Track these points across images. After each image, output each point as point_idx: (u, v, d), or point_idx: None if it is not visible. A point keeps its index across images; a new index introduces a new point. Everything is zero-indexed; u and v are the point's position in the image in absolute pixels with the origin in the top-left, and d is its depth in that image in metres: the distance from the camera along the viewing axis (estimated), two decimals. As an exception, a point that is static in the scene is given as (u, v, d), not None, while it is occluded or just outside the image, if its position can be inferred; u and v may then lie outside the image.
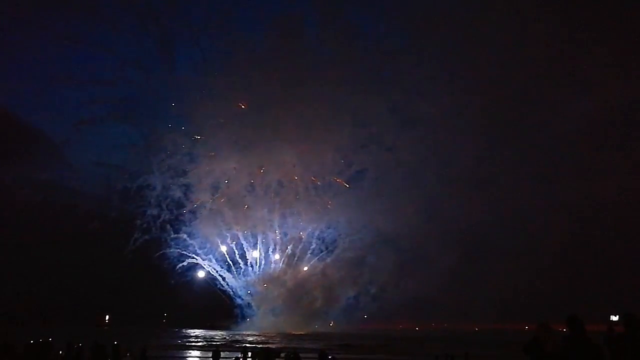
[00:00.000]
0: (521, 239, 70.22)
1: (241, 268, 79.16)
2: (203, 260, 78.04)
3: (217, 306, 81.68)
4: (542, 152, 73.14)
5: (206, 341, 58.61)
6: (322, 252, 79.28)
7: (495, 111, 72.10)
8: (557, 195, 71.06)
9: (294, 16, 79.68)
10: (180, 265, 77.66)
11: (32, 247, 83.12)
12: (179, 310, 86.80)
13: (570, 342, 7.18)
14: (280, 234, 79.35)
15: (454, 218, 71.63)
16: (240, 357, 26.85)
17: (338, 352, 37.96)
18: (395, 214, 72.52)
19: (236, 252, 78.85)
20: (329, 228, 79.21)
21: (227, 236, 78.29)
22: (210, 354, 29.28)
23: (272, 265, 79.39)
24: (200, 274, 78.76)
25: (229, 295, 79.53)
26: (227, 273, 79.07)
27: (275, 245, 79.50)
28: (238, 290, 79.45)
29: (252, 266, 79.33)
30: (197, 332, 76.03)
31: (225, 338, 62.86)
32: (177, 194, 78.24)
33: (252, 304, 79.56)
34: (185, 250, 77.66)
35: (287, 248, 79.21)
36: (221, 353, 28.58)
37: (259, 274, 79.31)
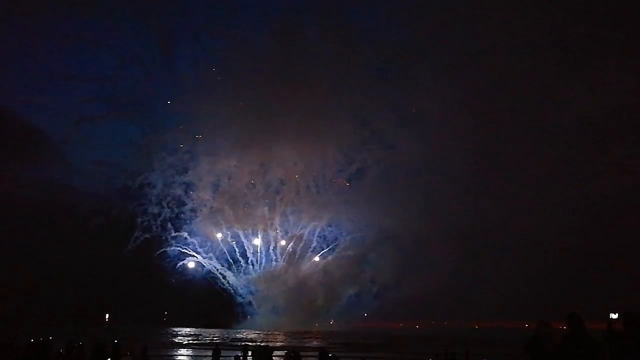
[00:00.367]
0: (522, 237, 70.25)
1: (242, 266, 79.29)
2: (204, 258, 78.20)
3: (218, 304, 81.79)
4: (543, 150, 73.10)
5: (206, 339, 58.70)
6: (323, 250, 79.49)
7: (496, 109, 72.09)
8: (559, 193, 71.04)
9: (294, 14, 79.78)
10: (181, 263, 77.89)
11: (31, 246, 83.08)
12: (179, 308, 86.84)
13: (569, 339, 7.16)
14: (281, 232, 79.52)
15: (455, 216, 71.71)
16: (241, 356, 26.87)
17: (338, 351, 37.98)
18: (397, 211, 72.58)
19: (237, 251, 78.99)
20: (330, 226, 79.39)
21: (227, 234, 78.44)
22: (210, 352, 29.33)
23: (273, 264, 79.50)
24: (191, 264, 78.72)
25: (229, 294, 79.73)
26: (228, 271, 79.21)
27: (276, 243, 79.66)
28: (239, 288, 79.54)
29: (252, 264, 79.44)
30: (198, 330, 76.08)
31: (225, 336, 62.93)
32: (178, 192, 78.38)
33: (253, 302, 79.67)
34: (185, 249, 77.84)
35: (288, 246, 79.37)
36: (221, 351, 28.62)
37: (259, 272, 79.39)
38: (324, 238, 79.38)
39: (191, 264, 78.76)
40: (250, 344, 44.05)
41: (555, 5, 70.18)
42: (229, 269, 79.13)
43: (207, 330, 76.52)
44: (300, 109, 74.33)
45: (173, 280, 77.45)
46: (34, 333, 31.65)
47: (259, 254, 79.50)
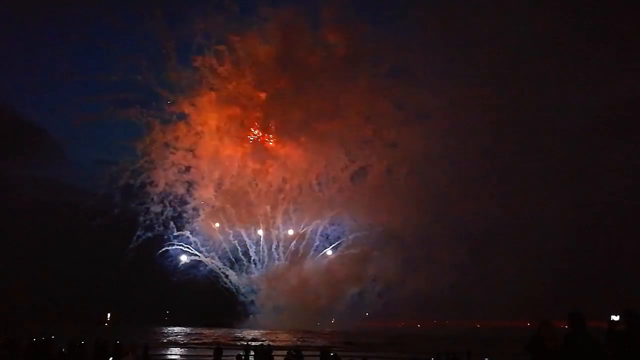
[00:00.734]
0: (527, 236, 70.13)
1: (244, 265, 79.23)
2: (206, 257, 78.18)
3: (220, 304, 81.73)
4: (549, 149, 72.87)
5: (208, 338, 58.64)
6: (325, 248, 79.37)
7: (502, 107, 71.75)
8: (562, 194, 70.89)
9: (298, 10, 79.32)
10: (183, 262, 77.88)
11: (33, 245, 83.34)
12: (181, 307, 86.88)
13: (571, 338, 7.11)
14: (283, 230, 79.43)
15: (460, 215, 71.39)
16: (242, 355, 26.79)
17: (340, 350, 37.89)
18: (401, 210, 72.36)
19: (239, 249, 78.91)
20: (332, 225, 79.27)
21: (230, 233, 78.37)
22: (212, 352, 29.29)
23: (276, 262, 79.42)
24: (183, 257, 78.66)
25: (231, 293, 79.65)
26: (230, 270, 79.18)
27: (278, 242, 79.52)
28: (241, 287, 79.49)
29: (255, 263, 79.36)
30: (200, 329, 76.01)
31: (227, 335, 62.86)
32: (180, 190, 78.37)
33: (256, 301, 79.59)
34: (188, 248, 77.81)
35: (290, 245, 79.25)
36: (223, 351, 28.57)
37: (262, 271, 79.33)
38: (327, 237, 79.46)
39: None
40: (252, 343, 43.96)
41: (562, 3, 70.09)
42: (231, 267, 79.22)
43: (209, 329, 76.50)
44: (303, 107, 74.38)
45: (175, 279, 77.49)
46: (35, 332, 31.68)
47: (261, 252, 79.56)
